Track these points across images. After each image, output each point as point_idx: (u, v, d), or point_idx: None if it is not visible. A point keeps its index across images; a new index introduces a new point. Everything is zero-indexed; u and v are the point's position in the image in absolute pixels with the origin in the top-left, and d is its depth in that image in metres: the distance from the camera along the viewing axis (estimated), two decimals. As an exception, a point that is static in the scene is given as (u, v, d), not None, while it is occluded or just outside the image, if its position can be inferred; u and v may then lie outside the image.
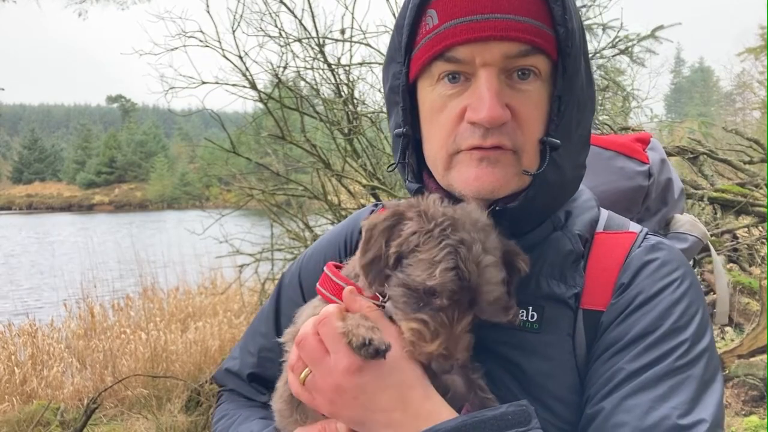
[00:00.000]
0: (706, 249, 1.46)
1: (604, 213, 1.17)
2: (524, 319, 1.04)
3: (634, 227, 1.14)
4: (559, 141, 1.01)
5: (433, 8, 1.00)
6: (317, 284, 1.08)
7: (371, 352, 0.87)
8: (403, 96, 1.07)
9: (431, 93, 1.04)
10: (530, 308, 1.03)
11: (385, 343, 0.87)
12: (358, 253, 0.97)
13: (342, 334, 0.91)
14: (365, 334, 0.88)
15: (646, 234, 1.11)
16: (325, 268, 1.09)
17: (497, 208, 1.03)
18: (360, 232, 1.30)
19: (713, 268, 1.52)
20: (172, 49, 5.78)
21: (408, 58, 1.06)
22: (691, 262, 1.43)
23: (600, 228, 1.13)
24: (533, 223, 1.09)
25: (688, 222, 1.40)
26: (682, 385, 0.93)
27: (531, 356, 1.01)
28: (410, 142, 1.10)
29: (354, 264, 1.06)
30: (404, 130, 1.08)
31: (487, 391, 0.98)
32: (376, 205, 1.38)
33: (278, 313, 1.32)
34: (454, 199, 1.08)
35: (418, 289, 0.90)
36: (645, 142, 1.46)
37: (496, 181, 1.01)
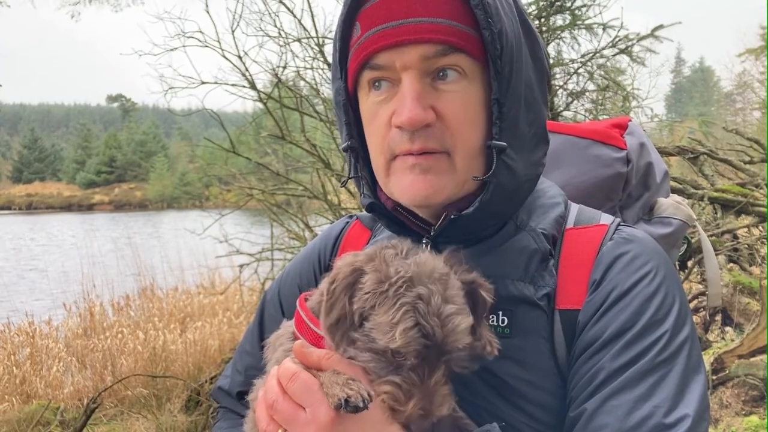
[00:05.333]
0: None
1: (574, 207, 1.15)
2: (494, 324, 1.02)
3: (605, 219, 1.12)
4: (505, 143, 0.99)
5: (358, 20, 1.03)
6: (294, 327, 1.06)
7: (351, 409, 0.85)
8: (345, 110, 1.09)
9: (366, 102, 1.06)
10: (500, 313, 1.02)
11: (363, 396, 0.85)
12: (321, 312, 0.94)
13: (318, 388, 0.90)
14: (340, 393, 0.86)
15: (618, 225, 1.10)
16: (297, 304, 1.07)
17: (453, 216, 1.03)
18: (333, 246, 1.31)
19: (702, 249, 1.49)
20: (172, 50, 5.78)
21: (345, 73, 1.08)
22: (684, 246, 1.41)
23: (570, 224, 1.11)
24: (492, 226, 1.08)
25: (672, 205, 1.37)
26: (664, 380, 0.92)
27: (504, 362, 0.99)
28: (359, 156, 1.11)
29: (318, 292, 1.04)
30: (350, 143, 1.10)
31: (456, 409, 0.96)
32: (351, 217, 1.37)
33: (262, 330, 1.32)
34: (408, 211, 1.08)
35: (384, 352, 0.88)
36: (622, 127, 1.42)
37: (429, 188, 1.00)
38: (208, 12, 5.71)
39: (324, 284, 1.01)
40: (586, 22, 5.52)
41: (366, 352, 0.90)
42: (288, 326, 1.09)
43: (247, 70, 5.75)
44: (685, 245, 1.42)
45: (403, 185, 1.02)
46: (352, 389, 0.86)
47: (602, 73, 5.80)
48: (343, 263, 0.98)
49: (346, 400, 0.85)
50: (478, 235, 1.08)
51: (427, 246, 1.10)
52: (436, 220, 1.08)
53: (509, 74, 0.99)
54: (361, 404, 0.84)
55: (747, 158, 5.98)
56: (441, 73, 0.99)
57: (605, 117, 5.85)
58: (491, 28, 0.96)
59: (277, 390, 0.95)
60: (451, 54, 0.98)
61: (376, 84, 1.03)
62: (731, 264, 5.33)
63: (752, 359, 4.72)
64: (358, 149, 1.10)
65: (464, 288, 0.94)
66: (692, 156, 5.04)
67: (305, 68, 5.94)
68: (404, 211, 1.10)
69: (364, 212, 1.29)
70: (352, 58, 1.04)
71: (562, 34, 5.62)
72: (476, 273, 0.98)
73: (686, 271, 4.03)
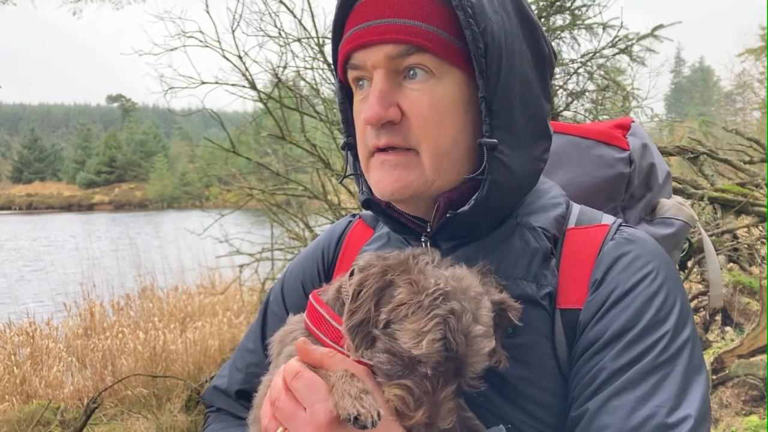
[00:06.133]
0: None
1: (576, 208, 1.15)
2: None
3: (607, 219, 1.12)
4: (495, 141, 1.00)
5: (346, 22, 1.08)
6: (305, 317, 1.07)
7: (359, 426, 0.84)
8: (342, 109, 1.16)
9: (355, 100, 1.11)
10: None
11: (372, 416, 0.84)
12: (345, 313, 0.94)
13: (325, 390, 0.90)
14: (350, 408, 0.85)
15: (619, 226, 1.10)
16: (312, 300, 1.07)
17: (448, 214, 1.04)
18: (336, 244, 1.32)
19: (704, 250, 1.48)
20: (172, 49, 5.78)
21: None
22: (686, 246, 1.41)
23: (571, 223, 1.11)
24: (491, 224, 1.09)
25: (674, 206, 1.37)
26: (666, 381, 0.92)
27: (508, 361, 0.99)
28: (358, 154, 1.13)
29: (334, 289, 1.04)
30: (346, 140, 1.15)
31: (466, 409, 0.97)
32: (354, 216, 1.38)
33: (264, 328, 1.32)
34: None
35: (403, 357, 0.88)
36: (625, 127, 1.42)
37: (395, 183, 1.03)
38: (208, 12, 5.71)
39: (343, 283, 1.01)
40: (586, 22, 5.53)
41: (384, 353, 0.90)
42: (296, 322, 1.09)
43: (247, 70, 5.75)
44: (687, 246, 1.42)
45: (374, 181, 1.06)
46: (364, 407, 0.85)
47: (602, 73, 5.80)
48: (367, 263, 0.98)
49: (356, 418, 0.84)
50: (476, 232, 1.09)
51: (426, 244, 1.10)
52: (428, 216, 1.09)
53: (498, 71, 0.99)
54: (369, 425, 0.83)
55: (747, 158, 5.99)
56: (411, 72, 1.01)
57: (605, 117, 5.86)
58: (472, 28, 0.97)
59: (281, 387, 0.95)
60: (414, 54, 1.00)
61: (360, 83, 1.07)
62: (731, 264, 5.34)
63: (752, 359, 4.73)
64: (356, 147, 1.13)
65: (494, 309, 0.94)
66: (692, 156, 5.05)
67: (305, 68, 5.95)
68: (397, 209, 1.12)
69: (367, 211, 1.30)
70: (339, 57, 1.09)
71: (562, 34, 5.63)
72: (506, 293, 0.98)
73: (686, 271, 4.03)
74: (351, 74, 1.07)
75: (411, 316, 0.87)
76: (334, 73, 1.15)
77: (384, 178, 1.04)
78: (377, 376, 0.92)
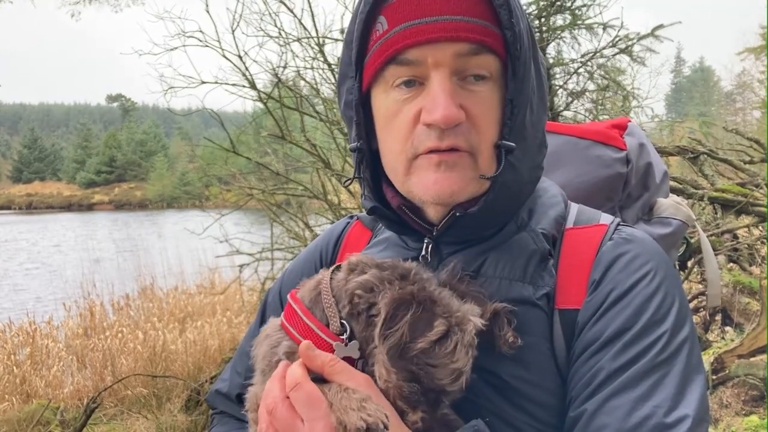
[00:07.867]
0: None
1: (574, 207, 1.15)
2: None
3: (605, 219, 1.11)
4: (514, 144, 1.00)
5: (383, 15, 1.01)
6: (282, 317, 1.05)
7: None
8: (357, 110, 1.07)
9: (386, 99, 1.03)
10: None
11: (382, 421, 0.82)
12: (378, 334, 0.91)
13: (324, 406, 0.88)
14: (357, 421, 0.82)
15: (617, 225, 1.09)
16: (288, 297, 1.05)
17: (457, 213, 1.03)
18: (335, 245, 1.31)
19: (702, 250, 1.49)
20: (172, 49, 5.79)
21: (360, 71, 1.06)
22: (683, 246, 1.41)
23: (570, 223, 1.11)
24: (494, 226, 1.09)
25: (671, 206, 1.37)
26: (664, 380, 0.92)
27: (505, 362, 0.99)
28: (365, 157, 1.10)
29: (314, 281, 1.03)
30: (358, 144, 1.07)
31: (448, 410, 0.97)
32: (351, 217, 1.37)
33: None
34: (412, 211, 1.08)
35: (430, 387, 0.89)
36: (622, 127, 1.42)
37: (455, 185, 1.00)
38: (208, 12, 5.71)
39: (324, 276, 1.00)
40: (587, 21, 5.53)
41: (409, 383, 0.89)
42: (274, 321, 1.08)
43: (247, 69, 5.76)
44: (684, 245, 1.42)
45: (426, 183, 1.01)
46: (370, 414, 0.83)
47: (602, 72, 5.81)
48: (359, 262, 0.98)
49: (367, 428, 0.82)
50: (479, 235, 1.09)
51: (428, 246, 1.10)
52: (439, 220, 1.08)
53: (522, 76, 0.99)
54: (382, 428, 0.82)
55: (747, 158, 5.99)
56: (477, 74, 0.99)
57: (605, 117, 5.87)
58: (513, 29, 0.96)
59: (278, 394, 0.92)
60: (482, 54, 0.98)
61: (407, 82, 1.01)
62: (731, 264, 5.34)
63: (752, 359, 4.72)
64: (365, 150, 1.10)
65: (488, 320, 0.96)
66: (692, 156, 5.04)
67: (305, 68, 5.96)
68: (409, 212, 1.10)
69: (365, 213, 1.28)
70: (376, 53, 1.02)
71: (563, 34, 5.63)
72: (484, 301, 0.99)
73: (686, 271, 4.03)
74: (395, 71, 1.00)
75: (454, 354, 0.87)
76: (352, 71, 1.07)
77: (441, 180, 1.00)
78: (398, 399, 0.91)
